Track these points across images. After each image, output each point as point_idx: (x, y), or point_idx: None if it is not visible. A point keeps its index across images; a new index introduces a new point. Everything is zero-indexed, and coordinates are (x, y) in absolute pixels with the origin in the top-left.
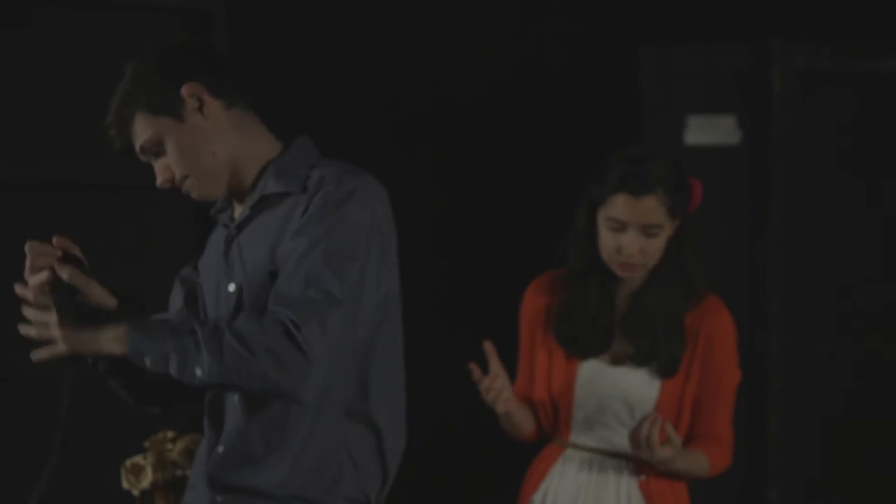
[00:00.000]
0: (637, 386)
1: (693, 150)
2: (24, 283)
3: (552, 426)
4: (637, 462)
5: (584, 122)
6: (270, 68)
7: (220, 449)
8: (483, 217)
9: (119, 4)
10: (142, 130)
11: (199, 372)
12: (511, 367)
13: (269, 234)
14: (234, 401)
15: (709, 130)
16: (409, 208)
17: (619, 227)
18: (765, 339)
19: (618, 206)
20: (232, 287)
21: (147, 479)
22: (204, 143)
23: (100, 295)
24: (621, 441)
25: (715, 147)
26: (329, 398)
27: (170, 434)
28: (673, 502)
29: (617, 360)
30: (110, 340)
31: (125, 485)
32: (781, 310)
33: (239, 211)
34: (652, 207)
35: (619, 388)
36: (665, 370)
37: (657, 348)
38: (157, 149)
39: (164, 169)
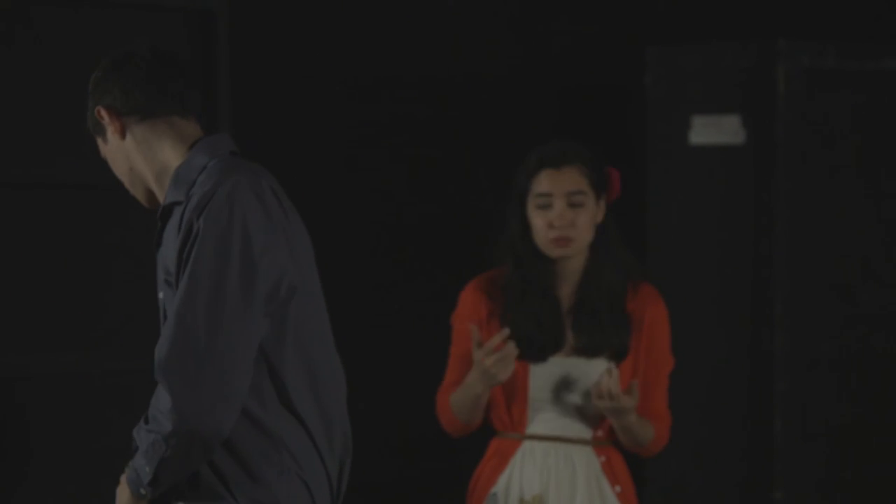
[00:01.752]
0: (591, 375)
1: (698, 149)
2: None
3: (504, 422)
4: (596, 445)
5: (589, 121)
6: (275, 67)
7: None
8: (488, 215)
9: (122, 3)
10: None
11: (165, 478)
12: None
13: (167, 243)
14: None
15: (713, 130)
16: (415, 206)
17: (547, 202)
18: (769, 340)
19: (542, 181)
20: (161, 295)
21: None
22: (121, 160)
23: None
24: (581, 427)
25: (719, 147)
26: (251, 397)
27: None
28: (628, 480)
29: (568, 352)
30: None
31: None
32: (786, 310)
33: None
34: (573, 176)
35: (574, 378)
36: (617, 357)
37: (606, 338)
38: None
39: None
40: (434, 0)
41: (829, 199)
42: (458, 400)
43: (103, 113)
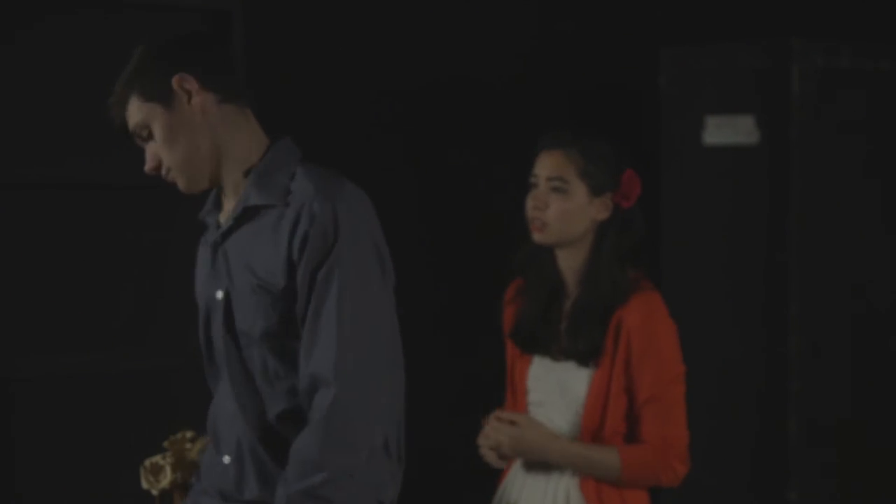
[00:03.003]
0: (570, 381)
1: (712, 149)
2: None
3: None
4: None
5: (603, 121)
6: (289, 67)
7: (226, 459)
8: (498, 216)
9: (138, 4)
10: (134, 113)
11: None
12: None
13: (254, 245)
14: (227, 409)
15: (727, 130)
16: (428, 206)
17: (535, 182)
18: (783, 340)
19: (537, 163)
20: (220, 294)
21: (166, 479)
22: (189, 135)
23: None
24: (563, 436)
25: (734, 147)
26: None
27: (189, 434)
28: (624, 500)
29: (557, 357)
30: None
31: (144, 485)
32: (800, 310)
33: (225, 215)
34: (559, 161)
35: (558, 384)
36: (580, 362)
37: (573, 344)
38: (144, 133)
39: (153, 156)
40: (447, 1)
41: (844, 200)
42: None
43: (188, 80)
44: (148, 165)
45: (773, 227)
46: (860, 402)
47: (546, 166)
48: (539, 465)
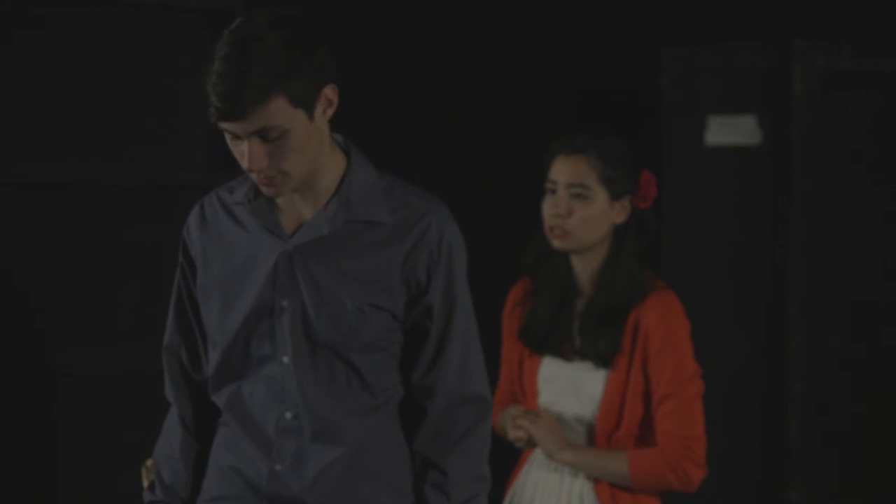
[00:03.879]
0: (585, 382)
1: (713, 150)
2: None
3: None
4: None
5: (605, 121)
6: None
7: (279, 467)
8: (501, 216)
9: (139, 4)
10: (276, 114)
11: None
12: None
13: (352, 259)
14: (284, 417)
15: (729, 130)
16: None
17: (553, 188)
18: (785, 341)
19: (553, 168)
20: (286, 303)
21: None
22: (316, 146)
23: None
24: (577, 439)
25: (735, 147)
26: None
27: None
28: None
29: (570, 357)
30: None
31: (145, 484)
32: (802, 311)
33: (293, 223)
34: (580, 168)
35: (571, 384)
36: (600, 363)
37: (595, 344)
38: (273, 136)
39: (262, 157)
40: (451, 1)
41: (846, 200)
42: (498, 423)
43: (335, 93)
44: (256, 165)
45: (775, 228)
46: (861, 402)
47: (565, 172)
48: (552, 466)
